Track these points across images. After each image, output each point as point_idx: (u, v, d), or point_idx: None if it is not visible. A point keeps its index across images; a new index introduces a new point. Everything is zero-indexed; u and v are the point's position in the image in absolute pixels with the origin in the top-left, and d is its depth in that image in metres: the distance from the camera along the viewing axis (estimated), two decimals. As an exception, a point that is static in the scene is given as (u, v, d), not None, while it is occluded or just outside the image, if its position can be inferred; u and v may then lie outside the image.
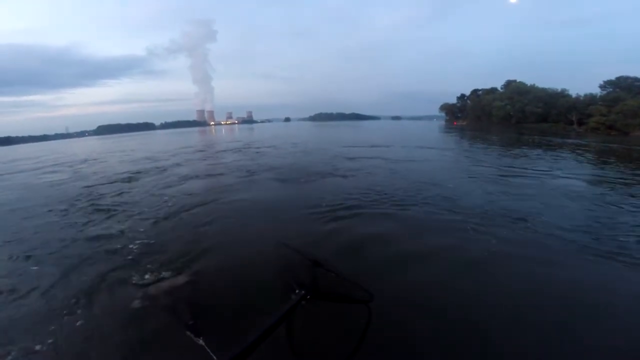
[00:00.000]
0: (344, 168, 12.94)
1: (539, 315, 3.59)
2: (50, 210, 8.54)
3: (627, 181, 10.42)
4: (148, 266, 4.88)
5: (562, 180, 10.39)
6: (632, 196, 8.46)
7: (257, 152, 20.12)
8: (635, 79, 50.04)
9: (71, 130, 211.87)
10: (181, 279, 4.46)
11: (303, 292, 2.45)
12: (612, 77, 52.95)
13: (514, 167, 12.96)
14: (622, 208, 7.36)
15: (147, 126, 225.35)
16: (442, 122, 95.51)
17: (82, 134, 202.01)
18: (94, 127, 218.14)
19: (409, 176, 10.91)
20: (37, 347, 3.44)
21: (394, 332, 3.22)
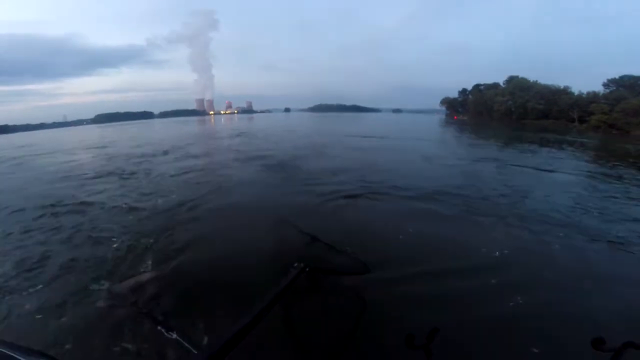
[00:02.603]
0: (335, 155, 13.33)
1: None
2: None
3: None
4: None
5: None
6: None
7: (257, 139, 20.40)
8: (639, 78, 49.34)
9: (69, 119, 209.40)
10: (170, 265, 4.22)
11: (302, 264, 2.63)
12: (616, 76, 52.49)
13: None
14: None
15: (145, 115, 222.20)
16: (443, 116, 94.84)
17: (79, 122, 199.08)
18: (91, 115, 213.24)
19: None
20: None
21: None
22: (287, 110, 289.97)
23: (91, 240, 5.21)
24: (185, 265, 4.15)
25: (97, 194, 8.16)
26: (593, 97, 51.56)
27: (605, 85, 52.82)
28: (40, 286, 3.96)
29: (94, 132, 46.24)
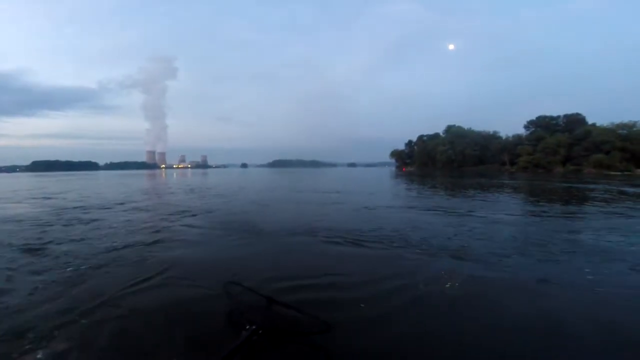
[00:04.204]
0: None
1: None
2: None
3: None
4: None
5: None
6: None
7: (209, 195, 19.18)
8: (551, 118, 56.35)
9: (0, 164, 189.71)
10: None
11: (254, 327, 2.60)
12: (533, 117, 59.36)
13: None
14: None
15: (89, 165, 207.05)
16: (393, 168, 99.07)
17: (12, 169, 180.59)
18: (27, 162, 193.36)
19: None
20: None
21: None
22: (244, 165, 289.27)
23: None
24: (110, 336, 3.09)
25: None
26: (518, 140, 57.26)
27: (525, 126, 59.28)
28: None
29: (30, 183, 39.05)
